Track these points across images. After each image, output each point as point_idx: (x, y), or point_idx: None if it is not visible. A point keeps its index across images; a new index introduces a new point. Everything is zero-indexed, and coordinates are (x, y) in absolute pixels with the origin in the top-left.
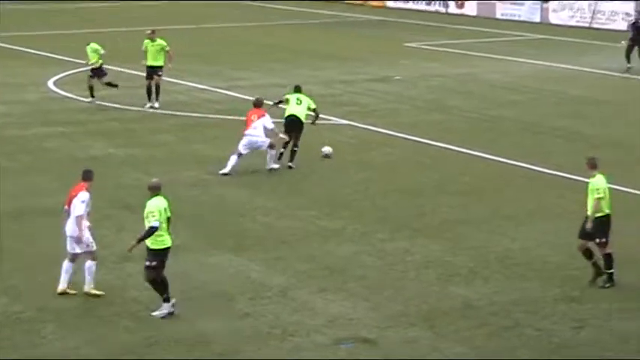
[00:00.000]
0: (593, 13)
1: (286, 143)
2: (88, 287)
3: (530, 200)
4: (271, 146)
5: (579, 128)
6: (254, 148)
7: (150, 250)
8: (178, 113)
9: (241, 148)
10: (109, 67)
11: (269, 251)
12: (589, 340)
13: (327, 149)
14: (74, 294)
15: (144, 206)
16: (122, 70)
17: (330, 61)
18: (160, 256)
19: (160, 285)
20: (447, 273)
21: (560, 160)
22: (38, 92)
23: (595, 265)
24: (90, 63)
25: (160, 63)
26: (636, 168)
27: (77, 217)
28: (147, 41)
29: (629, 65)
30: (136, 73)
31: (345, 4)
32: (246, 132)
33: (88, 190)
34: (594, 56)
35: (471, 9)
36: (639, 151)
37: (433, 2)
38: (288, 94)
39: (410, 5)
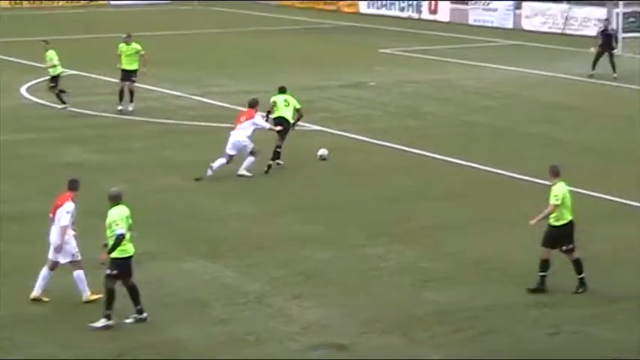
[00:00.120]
0: (566, 19)
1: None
2: (85, 296)
3: (506, 206)
4: (252, 153)
5: (553, 134)
6: (239, 149)
7: (112, 260)
8: (153, 120)
9: (227, 149)
10: (82, 73)
11: (244, 257)
12: (564, 346)
13: (323, 151)
14: (47, 301)
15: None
16: (98, 77)
17: (304, 67)
18: (122, 265)
19: (112, 297)
20: (422, 278)
21: (534, 165)
22: (11, 99)
23: (543, 277)
24: (48, 67)
25: (134, 67)
26: (609, 173)
27: (62, 227)
28: (122, 45)
29: (592, 72)
30: (107, 79)
31: (319, 10)
32: (232, 132)
33: (73, 200)
34: (567, 62)
35: (443, 15)
36: (612, 156)
37: (406, 8)
38: (273, 95)
39: (383, 11)
